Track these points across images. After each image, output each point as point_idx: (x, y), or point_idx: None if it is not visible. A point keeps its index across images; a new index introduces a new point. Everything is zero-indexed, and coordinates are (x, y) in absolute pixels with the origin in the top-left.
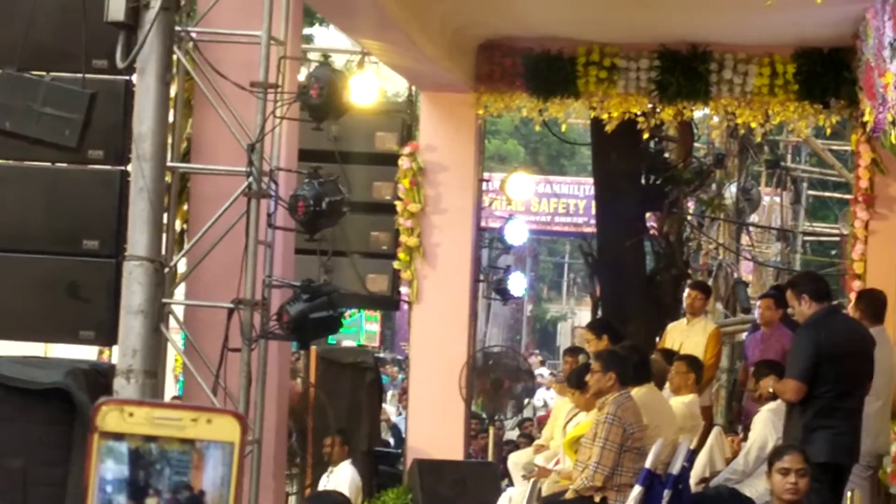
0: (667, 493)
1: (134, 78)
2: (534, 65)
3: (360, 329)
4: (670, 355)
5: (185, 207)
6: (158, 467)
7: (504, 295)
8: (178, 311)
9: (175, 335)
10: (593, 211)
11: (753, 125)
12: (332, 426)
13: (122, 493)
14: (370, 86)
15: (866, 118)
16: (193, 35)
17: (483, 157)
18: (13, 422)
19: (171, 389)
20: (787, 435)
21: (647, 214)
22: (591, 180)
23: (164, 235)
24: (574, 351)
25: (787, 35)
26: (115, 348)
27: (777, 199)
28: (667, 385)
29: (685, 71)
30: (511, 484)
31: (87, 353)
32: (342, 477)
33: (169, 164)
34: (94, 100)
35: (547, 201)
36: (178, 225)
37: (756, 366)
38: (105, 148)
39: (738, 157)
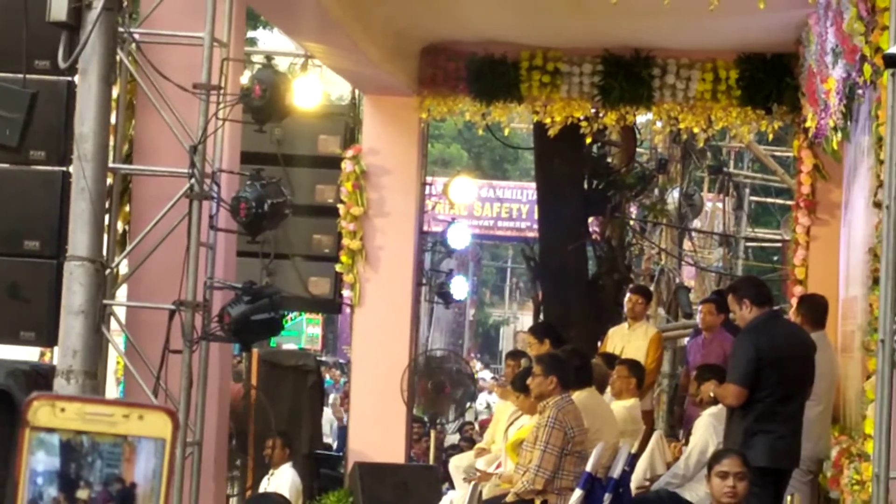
0: (607, 497)
1: (76, 79)
2: (477, 69)
3: (302, 332)
4: (612, 359)
5: (127, 209)
6: (90, 459)
7: (446, 298)
8: (120, 312)
9: (117, 337)
10: (536, 216)
11: (696, 130)
12: (274, 429)
13: (53, 485)
14: (313, 89)
15: (808, 124)
16: (136, 36)
17: (426, 160)
18: None
19: (112, 391)
20: (728, 439)
21: (590, 219)
22: (533, 185)
23: (106, 237)
24: (516, 354)
25: (730, 41)
26: (56, 349)
27: (720, 205)
28: (608, 389)
29: (628, 76)
30: (452, 487)
31: (27, 354)
32: (283, 479)
33: (111, 165)
34: (35, 99)
35: (490, 206)
36: (119, 226)
37: (697, 370)
38: (47, 149)
39: (681, 163)
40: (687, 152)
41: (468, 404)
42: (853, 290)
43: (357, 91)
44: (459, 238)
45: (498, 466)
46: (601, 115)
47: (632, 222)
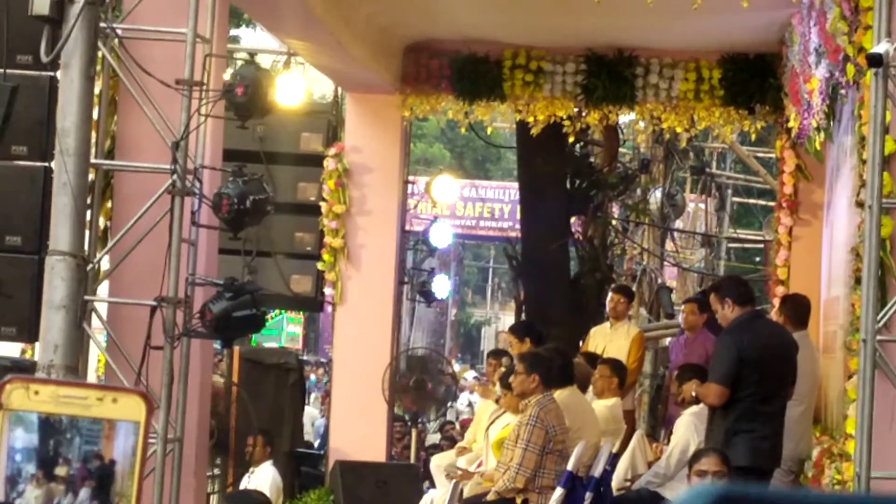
0: (588, 496)
1: (58, 74)
2: (460, 67)
3: (282, 331)
4: (594, 359)
5: (109, 205)
6: (69, 436)
7: (428, 297)
8: (101, 309)
9: (99, 335)
10: (518, 216)
11: (679, 130)
12: (255, 426)
13: (32, 461)
14: (296, 86)
15: (791, 124)
16: (119, 32)
17: (408, 159)
18: None
19: None
20: (710, 439)
21: (572, 218)
22: (516, 185)
23: (88, 232)
24: (497, 354)
25: (713, 40)
26: (38, 345)
27: (702, 206)
28: (590, 388)
29: (611, 75)
30: (433, 486)
31: (8, 349)
32: (263, 477)
33: (93, 161)
34: (15, 93)
35: (472, 205)
36: (101, 222)
37: (678, 370)
38: (29, 144)
39: (664, 163)
40: (669, 152)
41: (449, 403)
42: (835, 291)
43: (340, 89)
44: (441, 237)
45: (479, 465)
46: (584, 114)
47: (614, 222)
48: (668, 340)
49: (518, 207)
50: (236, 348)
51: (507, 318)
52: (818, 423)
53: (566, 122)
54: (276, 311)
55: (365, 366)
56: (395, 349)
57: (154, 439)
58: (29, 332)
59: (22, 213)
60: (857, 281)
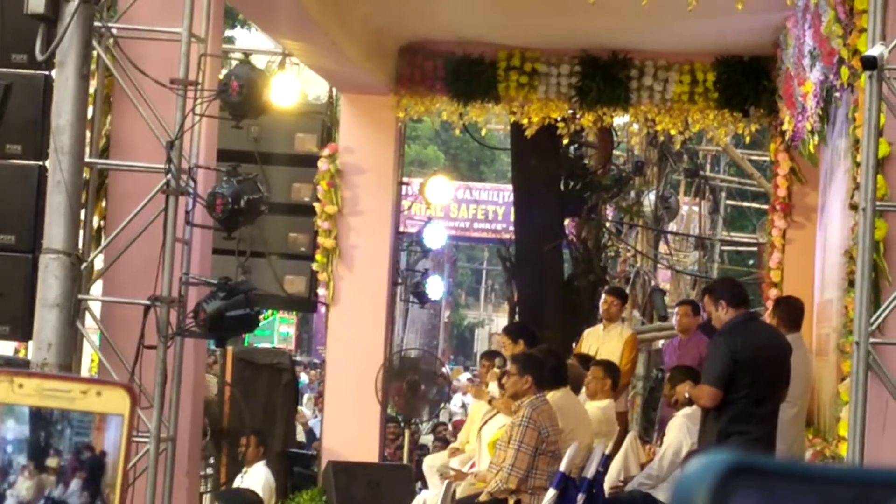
0: (581, 497)
1: (53, 73)
2: (454, 68)
3: (274, 331)
4: (587, 360)
5: (103, 204)
6: (59, 427)
7: (421, 298)
8: (95, 307)
9: (92, 334)
10: (512, 217)
11: (673, 132)
12: (248, 426)
13: (23, 452)
14: (291, 87)
15: (785, 127)
16: (114, 31)
17: (403, 160)
18: None
19: None
20: (703, 440)
21: (566, 220)
22: (510, 187)
23: (82, 231)
24: (491, 354)
25: (707, 43)
26: (31, 343)
27: (696, 209)
28: (583, 390)
29: (605, 77)
30: (425, 487)
31: (2, 348)
32: (256, 477)
33: (87, 160)
34: (9, 91)
35: (466, 207)
36: (95, 221)
37: (671, 371)
38: (23, 143)
39: (658, 166)
40: (663, 155)
41: (442, 405)
42: (828, 293)
43: (334, 90)
44: (435, 238)
45: (472, 466)
46: (578, 116)
47: (608, 224)
48: (661, 343)
49: (512, 209)
50: (229, 348)
51: (501, 320)
52: (811, 426)
53: (560, 124)
54: (269, 312)
55: (358, 367)
56: (389, 350)
57: (147, 438)
58: (22, 330)
59: (16, 211)
60: (851, 284)
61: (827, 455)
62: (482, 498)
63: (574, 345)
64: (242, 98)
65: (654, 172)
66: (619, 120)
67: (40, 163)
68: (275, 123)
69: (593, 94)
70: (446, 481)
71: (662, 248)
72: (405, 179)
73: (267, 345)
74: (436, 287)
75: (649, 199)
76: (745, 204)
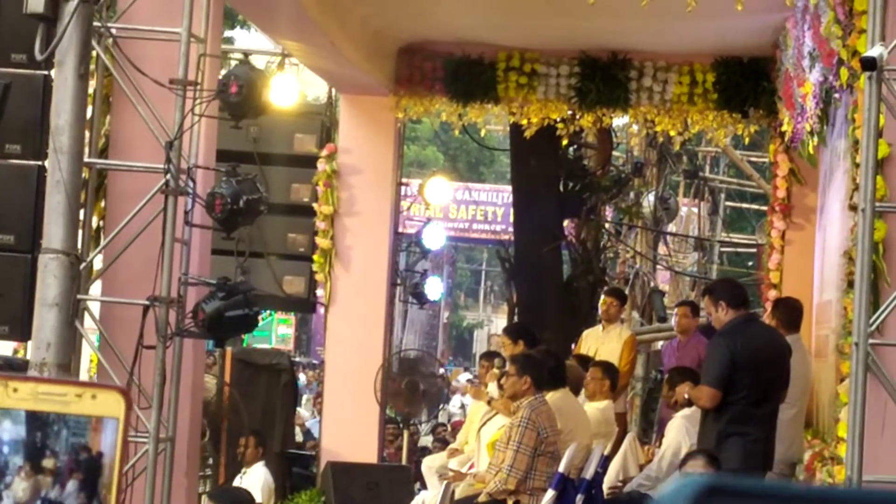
0: (580, 498)
1: (52, 72)
2: (454, 69)
3: (272, 332)
4: (586, 361)
5: (102, 204)
6: (56, 429)
7: (420, 299)
8: (94, 308)
9: (92, 335)
10: (511, 218)
11: (672, 133)
12: (247, 427)
13: (19, 454)
14: (290, 87)
15: (785, 128)
16: (113, 31)
17: (402, 160)
18: None
19: None
20: (702, 441)
21: (565, 221)
22: (509, 188)
23: (81, 232)
24: (490, 355)
25: (707, 44)
26: (30, 343)
27: (695, 210)
28: (582, 391)
29: (605, 78)
30: (424, 487)
31: (1, 348)
32: (255, 478)
33: (86, 160)
34: (9, 90)
35: (465, 208)
36: (94, 222)
37: (670, 372)
38: (22, 143)
39: (657, 167)
40: (663, 156)
41: (441, 406)
42: (827, 294)
43: (334, 91)
44: (434, 239)
45: (471, 467)
46: (578, 116)
47: (607, 225)
48: (660, 344)
49: (511, 210)
50: (228, 348)
51: (500, 321)
52: (810, 427)
53: (560, 125)
54: (267, 313)
55: (357, 367)
56: (388, 351)
57: (146, 438)
58: (21, 330)
59: (15, 211)
60: (850, 284)
61: (826, 456)
62: (481, 499)
63: (573, 346)
64: (242, 98)
65: (654, 173)
66: (619, 121)
67: (39, 163)
68: (274, 124)
69: (592, 95)
70: (445, 482)
71: (662, 249)
72: (404, 180)
73: (265, 345)
74: (435, 288)
75: (648, 200)
76: (745, 205)
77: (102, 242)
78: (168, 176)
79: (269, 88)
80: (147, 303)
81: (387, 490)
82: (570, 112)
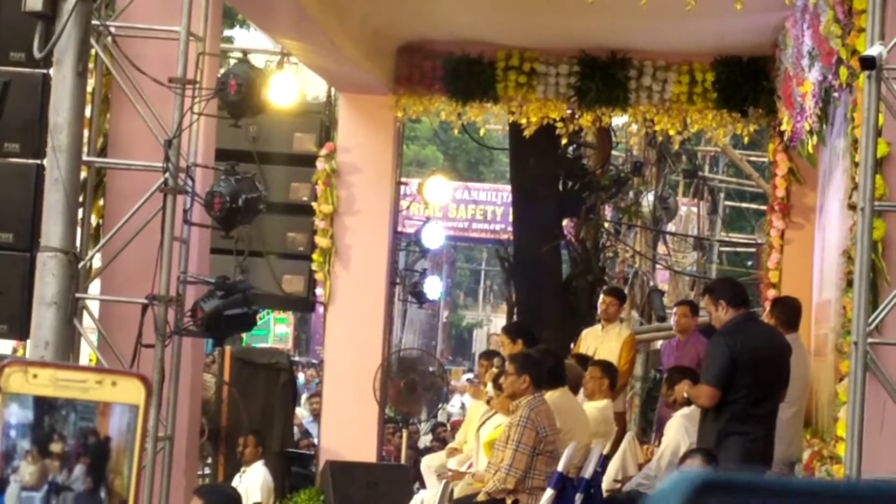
0: (578, 497)
1: (51, 71)
2: (453, 68)
3: (269, 331)
4: (585, 360)
5: (101, 202)
6: (64, 413)
7: (420, 298)
8: (93, 306)
9: (90, 334)
10: (511, 218)
11: (671, 132)
12: (246, 426)
13: (27, 437)
14: (289, 86)
15: (784, 127)
16: (112, 29)
17: (401, 159)
18: None
19: None
20: (701, 440)
21: (565, 220)
22: (509, 187)
23: (80, 230)
24: (489, 354)
25: (706, 43)
26: (29, 342)
27: (694, 209)
28: (581, 390)
29: (604, 77)
30: (423, 487)
31: (0, 347)
32: (255, 477)
33: (85, 158)
34: (8, 88)
35: (465, 207)
36: (93, 220)
37: (668, 372)
38: (21, 141)
39: (656, 166)
40: (662, 155)
41: (440, 405)
42: (827, 294)
43: (333, 90)
44: (433, 238)
45: (470, 466)
46: (577, 116)
47: (606, 224)
48: (659, 343)
49: (510, 210)
50: (227, 347)
51: (499, 320)
52: (809, 426)
53: (559, 124)
54: (264, 312)
55: (356, 366)
56: (387, 350)
57: None
58: (20, 329)
59: (14, 210)
60: (849, 284)
61: (825, 455)
62: (480, 498)
63: (572, 345)
64: (241, 97)
65: (653, 173)
66: (618, 120)
67: (38, 161)
68: (273, 123)
69: (592, 95)
70: (444, 481)
71: (661, 248)
72: (404, 179)
73: (263, 344)
74: (434, 287)
75: (648, 199)
76: (744, 204)
77: (101, 241)
78: (167, 174)
79: (268, 87)
80: (146, 301)
81: (386, 489)
82: (569, 111)
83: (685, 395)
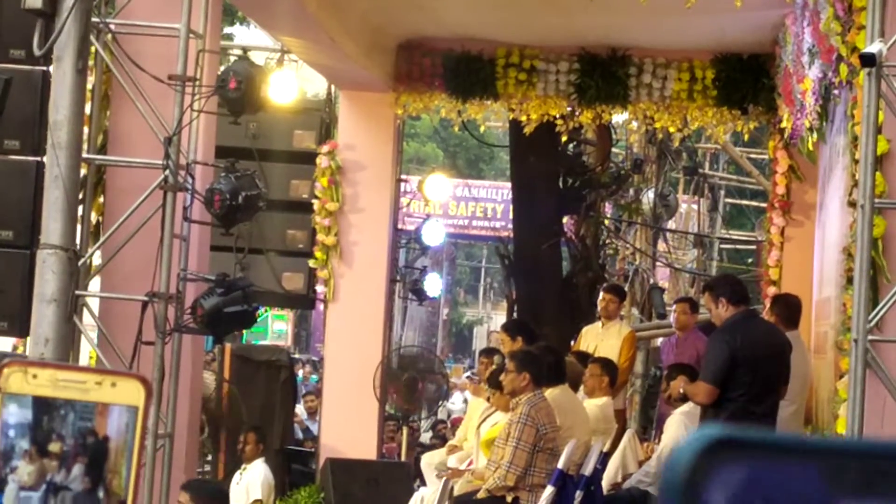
0: (579, 494)
1: (51, 68)
2: (453, 65)
3: (267, 328)
4: (585, 358)
5: (101, 200)
6: (63, 412)
7: (420, 295)
8: (93, 304)
9: (90, 331)
10: (511, 215)
11: (672, 130)
12: (246, 423)
13: (25, 437)
14: (289, 84)
15: (784, 124)
16: (112, 27)
17: (401, 157)
18: None
19: None
20: None
21: (565, 218)
22: (509, 185)
23: (80, 227)
24: (489, 352)
25: (706, 40)
26: (29, 340)
27: (694, 206)
28: (581, 387)
29: (604, 74)
30: (423, 484)
31: (1, 344)
32: (255, 474)
33: (85, 155)
34: (9, 85)
35: (465, 205)
36: (93, 217)
37: (668, 369)
38: (21, 139)
39: (656, 163)
40: (662, 153)
41: (440, 402)
42: (827, 291)
43: (333, 87)
44: (434, 235)
45: (470, 464)
46: (577, 113)
47: (606, 222)
48: (659, 341)
49: (510, 207)
50: (227, 345)
51: (499, 318)
52: (809, 423)
53: (559, 121)
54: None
55: (356, 364)
56: (387, 347)
57: None
58: (20, 326)
59: (14, 207)
60: (849, 281)
61: None
62: (480, 495)
63: (572, 342)
64: (240, 94)
65: (653, 170)
66: (618, 117)
67: (38, 158)
68: (273, 120)
69: (592, 92)
70: (444, 478)
71: (661, 245)
72: (404, 177)
73: (262, 342)
74: (434, 284)
75: (648, 196)
76: (744, 202)
77: (101, 238)
78: (167, 172)
79: (267, 84)
80: (146, 299)
81: (386, 487)
82: (569, 108)
83: (681, 391)
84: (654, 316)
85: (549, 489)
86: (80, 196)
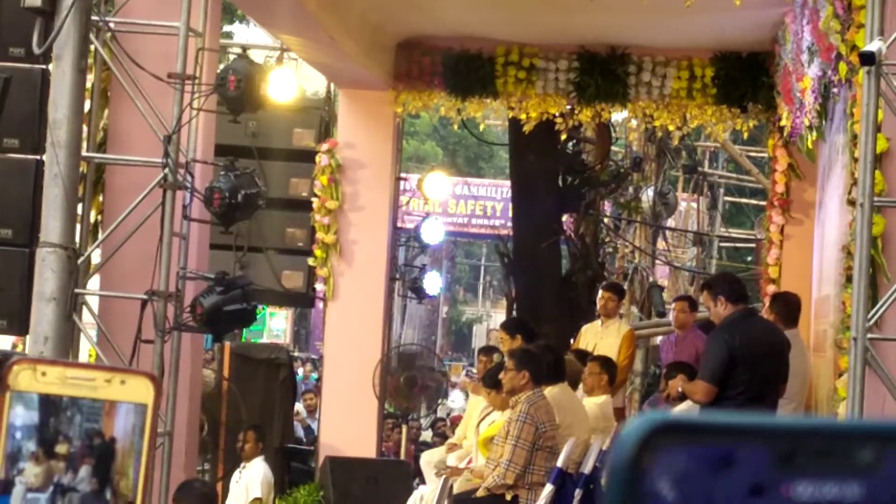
0: (578, 493)
1: (50, 66)
2: (453, 64)
3: (265, 326)
4: (584, 356)
5: (101, 198)
6: (69, 414)
7: (419, 293)
8: (92, 302)
9: (89, 329)
10: (510, 213)
11: (671, 128)
12: (245, 422)
13: (32, 439)
14: (288, 82)
15: (783, 123)
16: (111, 25)
17: (401, 155)
18: None
19: None
20: None
21: (564, 216)
22: (508, 183)
23: (79, 226)
24: (489, 350)
25: (706, 38)
26: (28, 338)
27: (694, 205)
28: (580, 385)
29: (604, 73)
30: (423, 482)
31: (0, 342)
32: (255, 473)
33: (85, 154)
34: (9, 84)
35: (464, 203)
36: (92, 216)
37: (667, 367)
38: (21, 137)
39: (656, 161)
40: (662, 151)
41: (439, 400)
42: (826, 289)
43: (332, 85)
44: (433, 233)
45: (469, 462)
46: (576, 111)
47: (606, 220)
48: (658, 339)
49: (510, 205)
50: (227, 343)
51: (499, 316)
52: None
53: (558, 120)
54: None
55: (356, 362)
56: (387, 346)
57: None
58: (20, 324)
59: (13, 205)
60: (848, 279)
61: None
62: (479, 493)
63: (571, 340)
64: (240, 92)
65: (653, 168)
66: (618, 116)
67: (38, 157)
68: (272, 118)
69: (591, 90)
70: (443, 477)
71: (661, 244)
72: (403, 175)
73: (260, 340)
74: (433, 283)
75: (647, 194)
76: (744, 200)
77: (100, 236)
78: (166, 170)
79: (267, 83)
80: (145, 297)
81: (385, 485)
82: (568, 107)
83: (679, 389)
84: (653, 314)
85: (549, 487)
86: (80, 194)
